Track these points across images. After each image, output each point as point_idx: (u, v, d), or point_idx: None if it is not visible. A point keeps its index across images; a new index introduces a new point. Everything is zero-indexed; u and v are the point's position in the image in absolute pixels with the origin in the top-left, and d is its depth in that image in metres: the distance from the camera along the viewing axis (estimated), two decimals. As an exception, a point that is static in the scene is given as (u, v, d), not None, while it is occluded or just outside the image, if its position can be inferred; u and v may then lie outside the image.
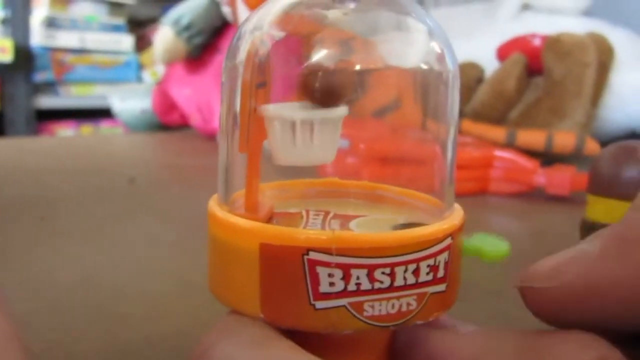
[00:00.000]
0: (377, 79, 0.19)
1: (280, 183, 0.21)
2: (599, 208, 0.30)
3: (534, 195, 0.54)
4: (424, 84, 0.19)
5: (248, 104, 0.17)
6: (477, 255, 0.18)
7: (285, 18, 0.18)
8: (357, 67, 0.18)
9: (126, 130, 1.09)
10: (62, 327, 0.26)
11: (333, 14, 0.19)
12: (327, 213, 0.19)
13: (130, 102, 1.00)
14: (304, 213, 0.19)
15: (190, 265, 0.34)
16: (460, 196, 0.19)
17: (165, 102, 0.90)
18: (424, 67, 0.19)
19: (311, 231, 0.16)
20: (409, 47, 0.19)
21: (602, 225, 0.17)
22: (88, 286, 0.31)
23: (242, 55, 0.18)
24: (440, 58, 0.19)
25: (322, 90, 0.17)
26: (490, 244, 0.18)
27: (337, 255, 0.15)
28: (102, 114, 1.83)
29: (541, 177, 0.53)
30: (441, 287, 0.17)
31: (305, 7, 0.19)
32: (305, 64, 0.18)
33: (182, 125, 0.91)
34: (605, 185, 0.29)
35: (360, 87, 0.18)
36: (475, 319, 0.19)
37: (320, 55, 0.18)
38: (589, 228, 0.29)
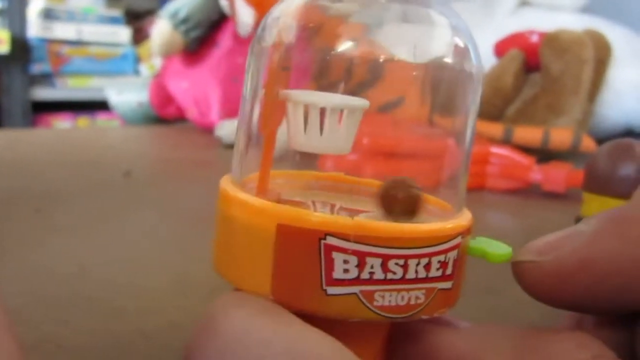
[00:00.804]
0: (392, 72, 0.19)
1: (285, 172, 0.21)
2: (594, 205, 0.30)
3: (530, 191, 0.54)
4: (446, 79, 0.19)
5: (274, 87, 0.18)
6: (482, 256, 0.18)
7: (307, 9, 0.19)
8: (374, 61, 0.18)
9: (123, 123, 1.08)
10: (56, 320, 0.26)
11: (352, 7, 0.19)
12: (333, 205, 0.19)
13: (127, 94, 1.00)
14: (310, 203, 0.19)
15: (186, 258, 0.34)
16: (455, 192, 0.19)
17: (162, 95, 0.89)
18: (446, 61, 0.19)
19: (331, 216, 0.16)
20: (430, 40, 0.19)
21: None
22: (83, 279, 0.31)
23: (270, 39, 0.18)
24: (464, 53, 0.19)
25: (404, 202, 0.17)
26: (494, 247, 0.18)
27: (354, 242, 0.15)
28: (99, 106, 1.83)
29: (537, 173, 0.53)
30: (448, 284, 0.17)
31: None
32: (325, 55, 0.18)
33: (179, 118, 0.91)
34: (600, 182, 0.29)
35: (374, 80, 0.18)
36: (472, 317, 0.19)
37: (339, 47, 0.18)
38: (584, 225, 0.29)
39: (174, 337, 0.25)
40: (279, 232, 0.16)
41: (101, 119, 2.04)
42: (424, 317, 0.17)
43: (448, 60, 0.19)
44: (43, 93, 1.98)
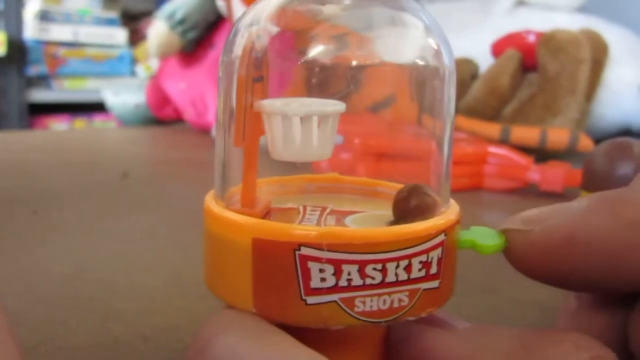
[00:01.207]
0: (373, 74, 0.19)
1: (279, 179, 0.21)
2: (593, 204, 0.30)
3: (527, 191, 0.54)
4: (420, 80, 0.19)
5: (244, 99, 0.17)
6: (471, 247, 0.18)
7: (281, 13, 0.18)
8: (354, 63, 0.18)
9: (119, 124, 1.08)
10: (54, 321, 0.26)
11: (329, 9, 0.19)
12: (324, 209, 0.19)
13: (124, 96, 1.00)
14: (300, 209, 0.19)
15: (184, 259, 0.34)
16: (454, 192, 0.19)
17: (159, 97, 0.90)
18: (420, 62, 0.19)
19: (302, 227, 0.16)
20: (405, 42, 0.19)
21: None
22: (81, 280, 0.31)
23: (238, 50, 0.18)
24: (437, 54, 0.19)
25: (416, 208, 0.18)
26: (486, 237, 0.18)
27: (327, 250, 0.15)
28: (95, 107, 1.83)
29: (535, 173, 0.53)
30: (434, 284, 0.17)
31: (300, 2, 0.19)
32: (302, 60, 0.18)
33: (176, 119, 0.91)
34: (598, 182, 0.29)
35: (355, 82, 0.18)
36: (467, 315, 0.19)
37: (316, 51, 0.18)
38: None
39: (173, 338, 0.25)
40: (254, 246, 0.16)
41: (98, 120, 2.04)
42: (411, 318, 0.17)
43: (422, 62, 0.19)
44: (39, 95, 1.97)
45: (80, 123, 2.06)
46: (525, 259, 0.17)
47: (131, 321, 0.26)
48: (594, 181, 0.30)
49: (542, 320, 0.27)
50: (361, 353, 0.18)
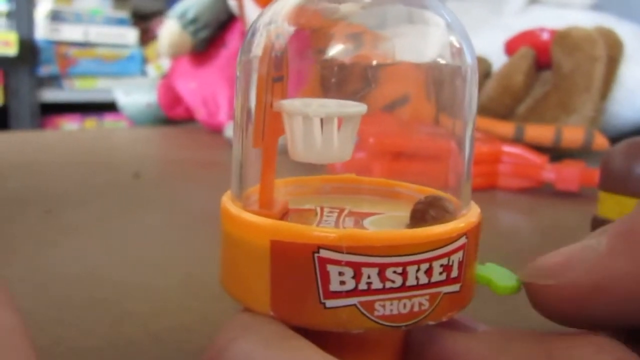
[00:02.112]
0: (390, 73, 0.19)
1: (296, 179, 0.21)
2: (611, 205, 0.30)
3: (542, 190, 0.54)
4: (441, 79, 0.19)
5: (263, 99, 0.17)
6: (486, 284, 0.18)
7: (299, 11, 0.18)
8: (374, 62, 0.18)
9: (130, 124, 1.09)
10: (67, 322, 0.26)
11: (349, 7, 0.18)
12: (341, 210, 0.19)
13: (135, 96, 1.00)
14: (318, 210, 0.19)
15: (196, 260, 0.33)
16: (468, 192, 0.19)
17: (171, 96, 0.90)
18: (442, 61, 0.18)
19: (322, 229, 0.16)
20: (426, 40, 0.19)
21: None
22: (93, 281, 0.30)
23: (257, 49, 0.18)
24: (459, 52, 0.18)
25: (434, 221, 0.17)
26: (502, 277, 0.18)
27: (347, 253, 0.15)
28: (106, 107, 1.84)
29: (550, 172, 0.52)
30: (455, 288, 0.17)
31: (319, 0, 0.19)
32: (320, 59, 0.18)
33: (188, 119, 0.91)
34: (617, 181, 0.29)
35: (372, 81, 0.18)
36: (485, 317, 0.19)
37: (333, 50, 0.18)
38: (600, 225, 0.29)
39: (186, 339, 0.25)
40: (273, 248, 0.16)
41: (108, 120, 2.05)
42: (431, 322, 0.16)
43: (443, 60, 0.19)
44: (51, 95, 1.98)
45: (91, 123, 2.07)
46: (555, 311, 0.16)
47: (144, 323, 0.26)
48: (611, 181, 0.30)
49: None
50: (380, 357, 0.18)
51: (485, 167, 0.55)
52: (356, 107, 0.18)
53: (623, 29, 0.78)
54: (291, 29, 0.18)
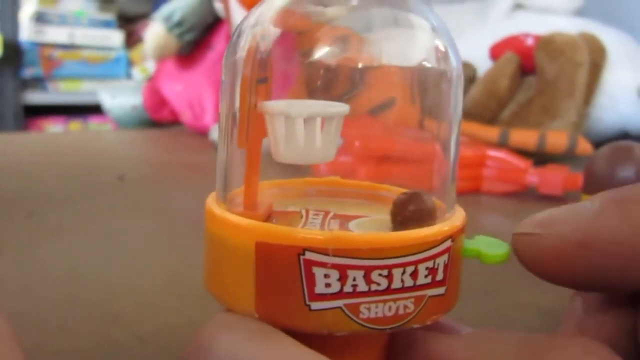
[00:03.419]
0: (375, 76, 0.19)
1: (281, 181, 0.21)
2: (594, 208, 0.30)
3: (526, 194, 0.54)
4: (427, 82, 0.19)
5: (248, 100, 0.17)
6: (476, 257, 0.18)
7: (286, 14, 0.18)
8: (359, 65, 0.18)
9: (115, 126, 1.08)
10: (52, 324, 0.26)
11: (335, 11, 0.18)
12: (327, 213, 0.19)
13: (121, 98, 0.99)
14: (303, 212, 0.19)
15: (181, 262, 0.33)
16: (452, 195, 0.19)
17: (156, 99, 0.89)
18: (427, 65, 0.19)
19: (308, 231, 0.16)
20: (412, 44, 0.19)
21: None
22: (78, 283, 0.30)
23: (242, 51, 0.18)
24: (444, 56, 0.18)
25: (414, 214, 0.17)
26: (490, 246, 0.18)
27: (333, 255, 0.15)
28: (91, 110, 1.82)
29: (534, 176, 0.53)
30: (440, 290, 0.17)
31: (306, 3, 0.19)
32: (305, 62, 0.18)
33: (173, 121, 0.91)
34: (600, 185, 0.29)
35: (358, 85, 0.18)
36: (468, 317, 0.19)
37: (318, 53, 0.18)
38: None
39: (170, 341, 0.25)
40: (258, 250, 0.16)
41: (93, 122, 2.03)
42: (416, 325, 0.17)
43: (429, 64, 0.19)
44: (35, 97, 1.97)
45: (75, 125, 2.05)
46: (538, 263, 0.16)
47: (129, 324, 0.26)
48: (595, 184, 0.30)
49: (543, 323, 0.27)
50: (364, 358, 0.18)
51: (470, 171, 0.55)
52: (339, 107, 0.18)
53: (606, 35, 0.79)
54: (277, 31, 0.18)
